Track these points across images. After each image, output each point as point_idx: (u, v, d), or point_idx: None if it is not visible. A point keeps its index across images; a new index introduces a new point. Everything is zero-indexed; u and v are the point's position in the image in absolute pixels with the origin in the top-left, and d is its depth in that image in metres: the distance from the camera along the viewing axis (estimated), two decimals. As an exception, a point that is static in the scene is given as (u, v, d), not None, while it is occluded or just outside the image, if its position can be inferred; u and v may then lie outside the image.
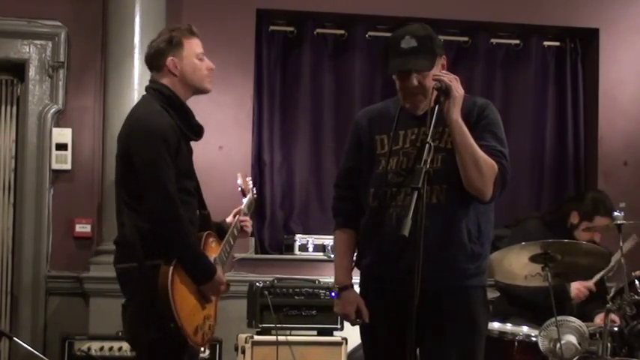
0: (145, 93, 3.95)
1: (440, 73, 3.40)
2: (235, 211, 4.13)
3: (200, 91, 3.92)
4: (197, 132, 3.91)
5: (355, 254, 3.63)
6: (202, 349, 5.61)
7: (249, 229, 4.15)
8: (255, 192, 4.33)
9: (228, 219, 4.12)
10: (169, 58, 3.83)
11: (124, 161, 3.78)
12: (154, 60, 3.88)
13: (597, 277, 5.23)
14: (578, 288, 5.27)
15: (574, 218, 5.41)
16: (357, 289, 3.62)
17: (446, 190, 3.41)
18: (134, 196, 3.71)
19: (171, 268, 3.63)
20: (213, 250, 3.90)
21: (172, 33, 3.86)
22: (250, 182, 4.32)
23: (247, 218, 4.13)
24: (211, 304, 3.86)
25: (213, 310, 3.89)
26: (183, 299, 3.67)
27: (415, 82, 3.41)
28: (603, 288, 5.44)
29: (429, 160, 3.15)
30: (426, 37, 3.45)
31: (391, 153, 3.49)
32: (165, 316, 3.62)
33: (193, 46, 3.87)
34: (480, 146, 3.38)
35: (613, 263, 5.04)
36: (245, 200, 4.21)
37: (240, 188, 4.26)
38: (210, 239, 3.91)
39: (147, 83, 3.97)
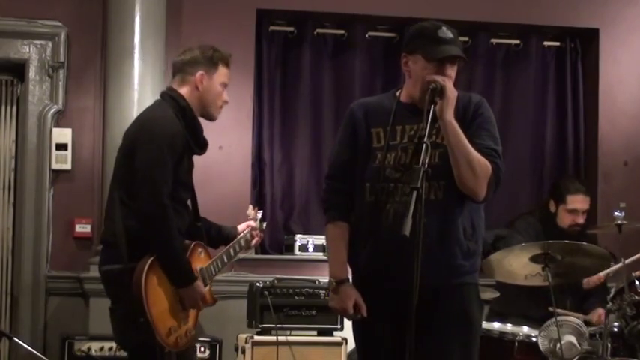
0: (159, 98, 3.99)
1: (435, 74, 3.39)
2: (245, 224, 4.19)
3: (208, 116, 3.98)
4: (202, 147, 3.96)
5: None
6: (202, 349, 5.68)
7: (256, 243, 4.18)
8: (264, 223, 4.36)
9: (240, 227, 4.18)
10: (200, 72, 3.88)
11: (126, 158, 3.79)
12: (186, 66, 3.91)
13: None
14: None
15: (552, 207, 5.62)
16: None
17: (443, 187, 3.39)
18: (131, 194, 3.73)
19: (148, 264, 3.63)
20: (201, 261, 3.90)
21: (214, 53, 3.92)
22: (259, 214, 4.33)
23: (259, 233, 4.19)
24: (191, 311, 3.86)
25: (192, 317, 3.88)
26: (157, 297, 3.67)
27: (448, 72, 3.41)
28: (603, 286, 5.46)
29: (427, 161, 3.11)
30: (457, 34, 3.52)
31: (389, 148, 3.44)
32: (136, 309, 3.61)
33: (224, 74, 3.95)
34: (475, 145, 3.37)
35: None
36: (253, 223, 4.26)
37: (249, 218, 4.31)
38: (199, 249, 3.92)
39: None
